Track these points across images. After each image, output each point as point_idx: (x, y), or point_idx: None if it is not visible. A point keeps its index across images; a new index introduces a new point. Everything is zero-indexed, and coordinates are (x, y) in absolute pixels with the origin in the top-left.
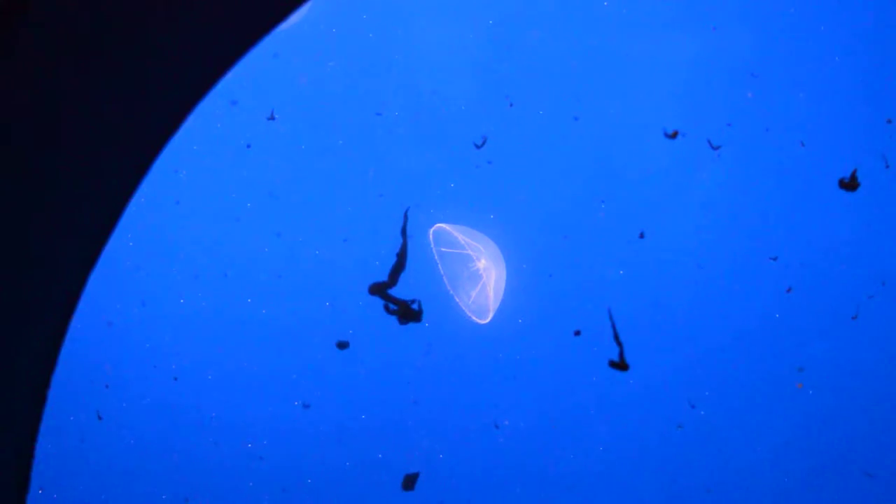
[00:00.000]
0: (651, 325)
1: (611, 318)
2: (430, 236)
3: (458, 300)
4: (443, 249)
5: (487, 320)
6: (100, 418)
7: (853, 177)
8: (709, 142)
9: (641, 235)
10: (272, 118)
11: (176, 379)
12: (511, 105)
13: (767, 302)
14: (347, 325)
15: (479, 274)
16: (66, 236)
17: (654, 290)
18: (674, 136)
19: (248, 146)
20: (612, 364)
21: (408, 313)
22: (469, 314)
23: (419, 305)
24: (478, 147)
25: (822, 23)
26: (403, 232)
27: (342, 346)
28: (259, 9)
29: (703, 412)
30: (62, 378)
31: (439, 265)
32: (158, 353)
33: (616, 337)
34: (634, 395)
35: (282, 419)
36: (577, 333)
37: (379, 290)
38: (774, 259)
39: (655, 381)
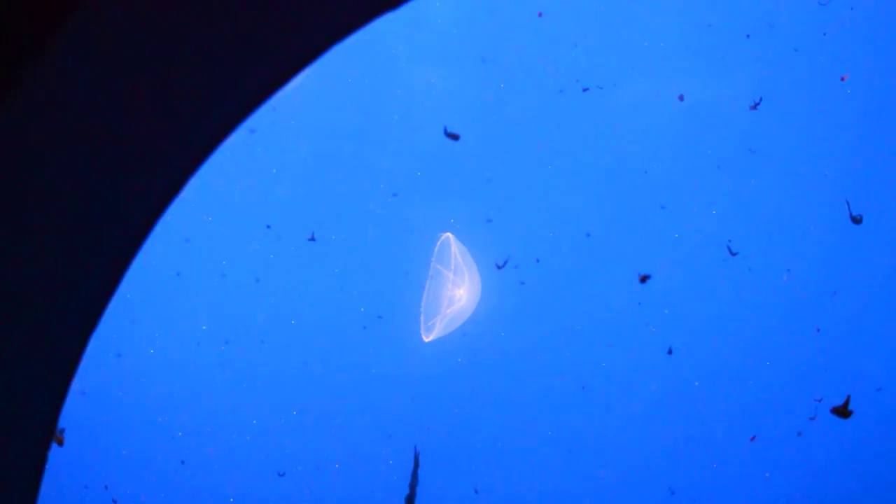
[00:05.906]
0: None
1: None
2: (438, 243)
3: (421, 311)
4: (437, 266)
5: (429, 339)
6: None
7: (846, 404)
8: (728, 248)
9: (669, 351)
10: (312, 239)
11: (183, 462)
12: (551, 235)
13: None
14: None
15: (452, 299)
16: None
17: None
18: (644, 280)
19: (268, 227)
20: None
21: None
22: (421, 325)
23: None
24: (499, 268)
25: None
26: (414, 474)
27: None
28: (254, 80)
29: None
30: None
31: (429, 275)
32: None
33: None
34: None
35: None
36: None
37: None
38: (819, 401)
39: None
